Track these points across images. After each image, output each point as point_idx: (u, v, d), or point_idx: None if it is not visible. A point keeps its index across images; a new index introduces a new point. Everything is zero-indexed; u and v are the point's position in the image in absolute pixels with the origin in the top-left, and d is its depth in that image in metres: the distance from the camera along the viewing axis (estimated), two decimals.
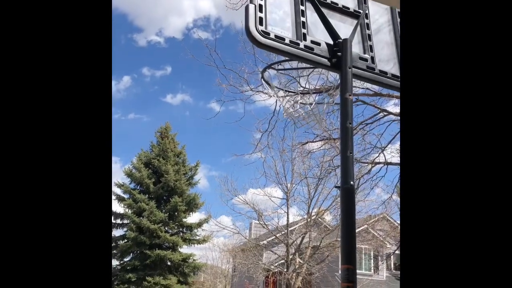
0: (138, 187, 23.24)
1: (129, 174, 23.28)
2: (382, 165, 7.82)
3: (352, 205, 2.07)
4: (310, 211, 18.00)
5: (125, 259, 22.54)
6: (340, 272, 2.07)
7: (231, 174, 59.69)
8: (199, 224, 23.39)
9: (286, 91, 3.16)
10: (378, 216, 20.85)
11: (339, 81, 3.15)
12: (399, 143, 8.10)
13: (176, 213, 22.51)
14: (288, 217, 18.16)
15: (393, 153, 8.04)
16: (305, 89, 3.55)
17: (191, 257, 22.46)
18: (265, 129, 7.39)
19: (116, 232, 22.97)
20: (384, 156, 7.86)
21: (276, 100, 6.65)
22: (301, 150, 11.31)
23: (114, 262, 25.11)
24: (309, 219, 17.93)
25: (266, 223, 18.82)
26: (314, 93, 3.21)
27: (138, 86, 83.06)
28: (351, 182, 2.05)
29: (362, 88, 6.97)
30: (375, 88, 7.08)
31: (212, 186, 78.30)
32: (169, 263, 21.85)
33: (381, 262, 21.23)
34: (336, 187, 2.74)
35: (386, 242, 19.47)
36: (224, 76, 7.04)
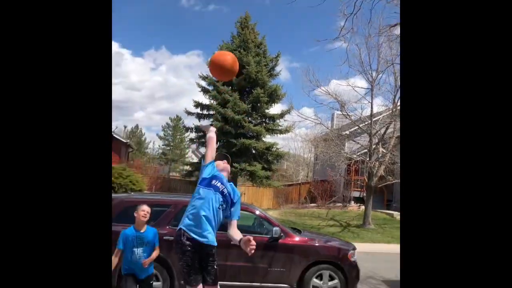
0: None
1: None
2: None
3: None
4: (396, 100, 17.35)
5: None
6: None
7: (313, 64, 58.45)
8: (281, 115, 23.82)
9: None
10: None
11: None
12: None
13: (258, 104, 22.99)
14: (372, 107, 17.74)
15: None
16: None
17: (274, 146, 23.34)
18: (350, 12, 6.86)
19: (204, 122, 24.28)
20: None
21: None
22: (389, 34, 10.53)
23: (203, 150, 27.02)
24: (394, 109, 17.37)
25: (349, 114, 18.61)
26: None
27: None
28: None
29: None
30: None
31: (293, 77, 77.92)
32: (253, 151, 22.98)
33: None
34: None
35: None
36: None
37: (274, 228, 6.49)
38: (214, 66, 3.55)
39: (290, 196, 26.23)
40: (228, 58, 3.77)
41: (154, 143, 60.32)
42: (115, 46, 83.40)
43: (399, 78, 16.67)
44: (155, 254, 4.52)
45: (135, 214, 4.58)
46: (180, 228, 3.85)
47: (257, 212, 6.90)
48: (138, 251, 4.43)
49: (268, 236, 6.49)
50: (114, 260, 4.27)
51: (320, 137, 22.12)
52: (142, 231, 4.53)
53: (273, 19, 79.14)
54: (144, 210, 4.55)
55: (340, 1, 6.83)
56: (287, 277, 6.43)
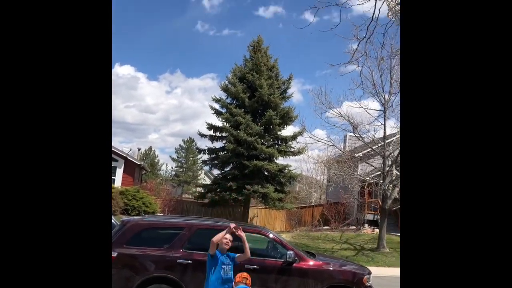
0: (234, 102, 23.99)
1: (225, 89, 24.01)
2: None
3: None
4: None
5: (226, 169, 24.12)
6: None
7: (326, 86, 58.70)
8: (294, 137, 23.85)
9: None
10: None
11: None
12: None
13: (271, 126, 23.09)
14: (385, 129, 17.69)
15: None
16: None
17: (286, 168, 23.30)
18: (363, 36, 6.93)
19: (216, 144, 24.44)
20: None
21: (375, 3, 6.13)
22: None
23: (216, 172, 27.09)
24: None
25: (361, 136, 18.56)
26: None
27: (232, 0, 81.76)
28: None
29: None
30: None
31: (305, 99, 78.38)
32: (266, 173, 22.96)
33: None
34: None
35: None
36: None
37: (288, 252, 6.44)
38: None
39: (303, 219, 25.99)
40: None
41: (167, 165, 60.57)
42: (131, 70, 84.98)
43: None
44: None
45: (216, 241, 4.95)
46: None
47: (271, 235, 6.86)
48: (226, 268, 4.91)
49: (282, 260, 6.43)
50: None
51: (333, 159, 22.04)
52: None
53: (286, 42, 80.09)
54: (226, 238, 4.98)
55: (353, 25, 6.91)
56: None
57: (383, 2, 3.33)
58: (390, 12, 3.04)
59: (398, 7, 2.98)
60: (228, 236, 4.99)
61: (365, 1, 6.36)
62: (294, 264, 6.41)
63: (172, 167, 51.99)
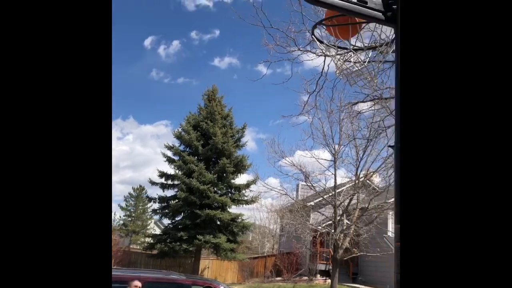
0: (187, 149, 23.87)
1: (178, 137, 23.90)
2: None
3: None
4: (358, 173, 17.81)
5: (177, 218, 23.52)
6: (390, 233, 2.04)
7: (278, 136, 59.88)
8: (247, 185, 23.84)
9: (337, 47, 3.05)
10: None
11: (393, 36, 3.00)
12: None
13: (224, 175, 23.02)
14: (335, 179, 18.08)
15: None
16: (356, 47, 3.41)
17: (239, 217, 23.07)
18: (313, 90, 7.25)
19: (168, 192, 23.92)
20: None
21: (324, 60, 6.48)
22: (349, 110, 11.07)
23: (166, 221, 26.34)
24: (357, 181, 17.77)
25: (313, 185, 18.86)
26: (367, 49, 3.07)
27: (187, 50, 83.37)
28: None
29: None
30: None
31: (259, 148, 79.22)
32: (218, 223, 22.59)
33: None
34: (389, 146, 2.59)
35: None
36: (271, 36, 6.88)
37: None
38: None
39: (255, 269, 25.49)
40: None
41: (115, 214, 58.24)
42: None
43: (360, 151, 17.31)
44: None
45: None
46: None
47: None
48: None
49: None
50: None
51: (285, 208, 22.12)
52: None
53: (240, 92, 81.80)
54: (136, 286, 4.86)
55: (304, 79, 7.23)
56: None
57: (331, 60, 3.54)
58: (337, 71, 3.21)
59: (345, 65, 3.16)
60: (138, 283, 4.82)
61: (315, 57, 6.70)
62: None
63: (120, 216, 50.00)
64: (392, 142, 2.13)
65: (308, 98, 7.60)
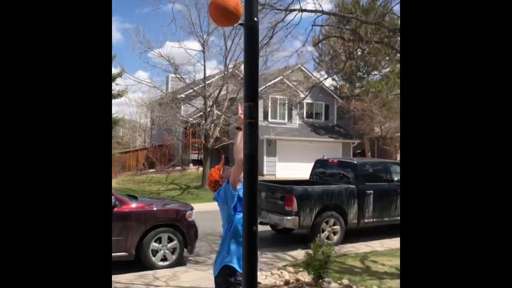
0: None
1: None
2: (297, 12, 7.58)
3: (256, 43, 2.01)
4: (227, 63, 17.94)
5: None
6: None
7: (144, 25, 56.08)
8: (113, 78, 22.54)
9: None
10: (293, 68, 21.47)
11: None
12: None
13: None
14: (205, 70, 18.02)
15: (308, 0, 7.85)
16: None
17: None
18: None
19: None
20: (299, 2, 7.57)
21: None
22: None
23: None
24: (226, 72, 17.96)
25: (183, 77, 18.58)
26: None
27: None
28: (255, 19, 1.96)
29: None
30: None
31: (125, 39, 73.76)
32: None
33: (294, 110, 22.54)
34: (240, 24, 2.45)
35: (299, 92, 20.40)
36: None
37: None
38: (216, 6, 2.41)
39: (127, 164, 25.41)
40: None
41: None
42: None
43: (228, 41, 17.23)
44: None
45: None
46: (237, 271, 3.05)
47: None
48: None
49: None
50: None
51: (155, 101, 21.70)
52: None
53: None
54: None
55: None
56: (124, 245, 6.31)
57: None
58: None
59: None
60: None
61: None
62: (115, 209, 6.27)
63: None
64: (243, 20, 2.05)
65: None
